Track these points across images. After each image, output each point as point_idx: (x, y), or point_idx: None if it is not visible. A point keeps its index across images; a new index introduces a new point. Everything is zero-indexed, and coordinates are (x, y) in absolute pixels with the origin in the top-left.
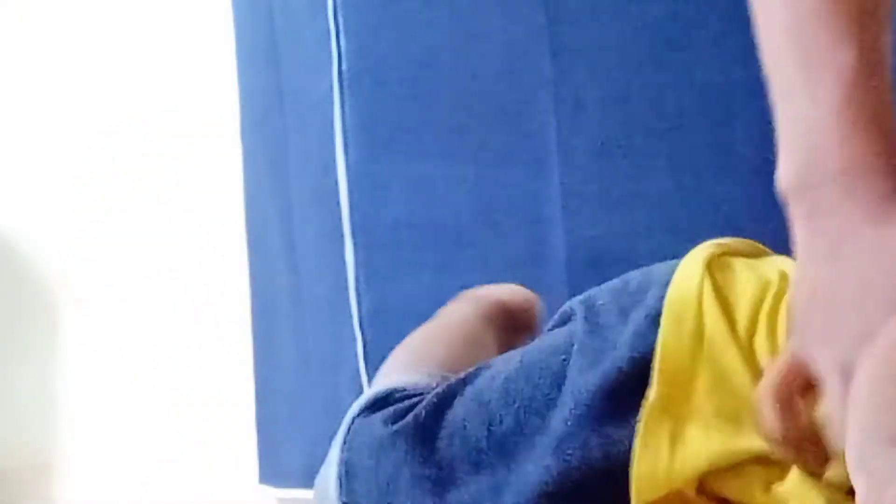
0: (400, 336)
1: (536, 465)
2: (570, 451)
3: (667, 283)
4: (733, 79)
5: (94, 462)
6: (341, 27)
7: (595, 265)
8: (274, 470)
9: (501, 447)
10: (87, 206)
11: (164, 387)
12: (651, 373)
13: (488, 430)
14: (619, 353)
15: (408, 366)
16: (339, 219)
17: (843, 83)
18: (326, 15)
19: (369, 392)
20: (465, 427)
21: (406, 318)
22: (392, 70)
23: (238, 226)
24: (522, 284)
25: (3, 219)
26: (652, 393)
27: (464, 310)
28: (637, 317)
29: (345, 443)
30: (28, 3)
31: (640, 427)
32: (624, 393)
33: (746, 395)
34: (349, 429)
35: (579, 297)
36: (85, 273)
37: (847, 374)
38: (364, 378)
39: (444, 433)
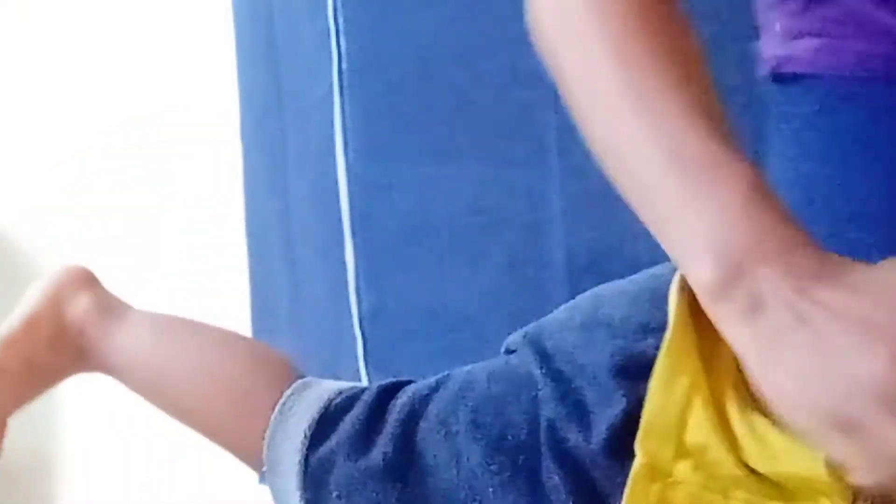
0: (400, 336)
1: None
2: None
3: (618, 323)
4: (731, 81)
5: (94, 462)
6: (341, 27)
7: (595, 266)
8: None
9: (470, 485)
10: (88, 205)
11: None
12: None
13: (457, 465)
14: (595, 415)
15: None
16: (339, 219)
17: (743, 186)
18: (326, 15)
19: (300, 418)
20: (434, 463)
21: (406, 318)
22: (392, 70)
23: (238, 226)
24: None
25: (3, 219)
26: (637, 458)
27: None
28: (597, 371)
29: (304, 482)
30: (28, 3)
31: (628, 488)
32: (602, 454)
33: (731, 477)
34: (305, 469)
35: (522, 333)
36: None
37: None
38: (364, 378)
39: (413, 469)
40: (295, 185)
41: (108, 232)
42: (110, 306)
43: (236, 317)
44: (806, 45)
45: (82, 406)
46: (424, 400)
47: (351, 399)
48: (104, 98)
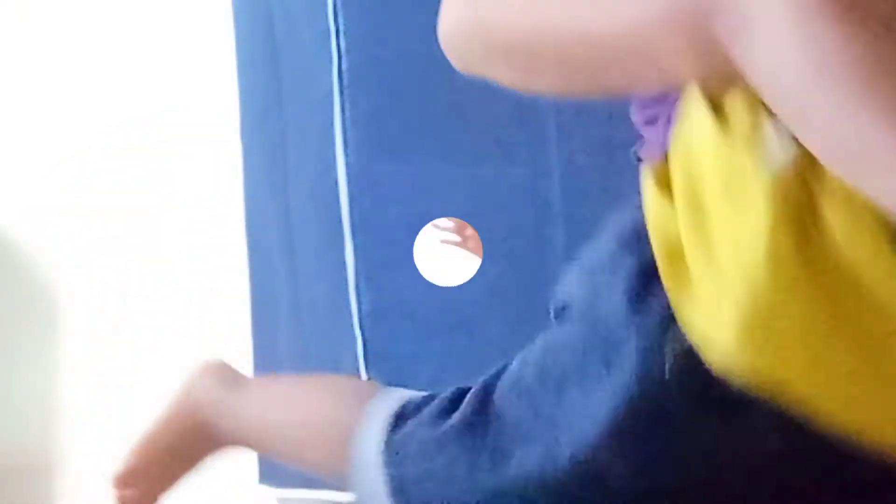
0: (400, 336)
1: (588, 417)
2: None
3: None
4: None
5: (94, 462)
6: (341, 27)
7: None
8: (274, 470)
9: (548, 418)
10: (88, 205)
11: (164, 386)
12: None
13: (530, 406)
14: (612, 280)
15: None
16: (339, 219)
17: None
18: (326, 15)
19: (382, 412)
20: (512, 409)
21: (406, 318)
22: (392, 70)
23: (238, 226)
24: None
25: (3, 219)
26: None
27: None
28: (606, 242)
29: (386, 460)
30: (28, 3)
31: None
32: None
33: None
34: (385, 447)
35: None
36: (85, 273)
37: None
38: (364, 378)
39: (492, 419)
40: (295, 185)
41: (108, 232)
42: (232, 391)
43: (236, 317)
44: None
45: (82, 406)
46: (495, 377)
47: (427, 398)
48: (104, 98)
